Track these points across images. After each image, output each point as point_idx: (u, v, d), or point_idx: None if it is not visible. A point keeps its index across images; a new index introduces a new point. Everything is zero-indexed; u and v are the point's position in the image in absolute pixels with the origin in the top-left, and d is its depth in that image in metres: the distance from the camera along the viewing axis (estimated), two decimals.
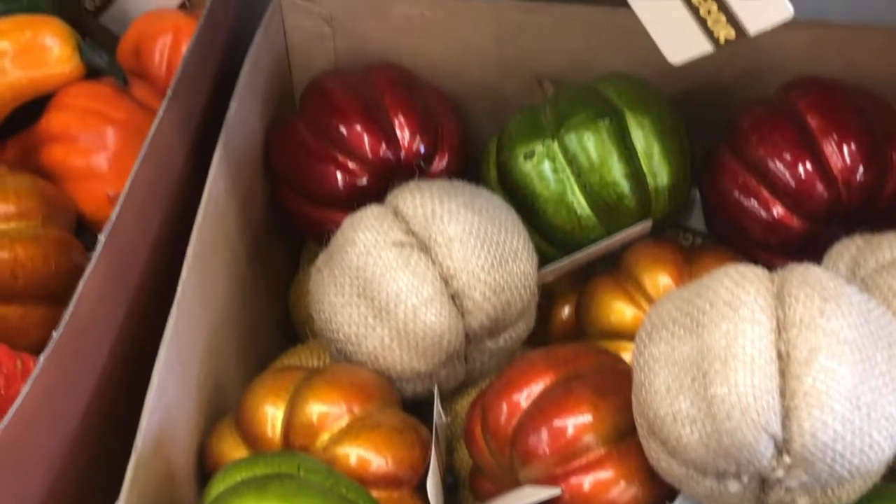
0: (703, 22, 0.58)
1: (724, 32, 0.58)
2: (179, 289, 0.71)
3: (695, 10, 0.58)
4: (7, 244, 0.81)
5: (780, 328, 0.63)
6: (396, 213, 0.80)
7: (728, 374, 0.62)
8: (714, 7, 0.57)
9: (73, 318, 0.63)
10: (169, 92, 0.78)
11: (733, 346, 0.62)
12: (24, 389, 0.58)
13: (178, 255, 0.74)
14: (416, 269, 0.77)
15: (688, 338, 0.64)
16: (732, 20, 0.57)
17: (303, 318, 0.97)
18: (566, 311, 0.93)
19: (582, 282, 0.91)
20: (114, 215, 0.69)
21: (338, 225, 0.87)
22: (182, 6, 1.04)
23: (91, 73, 0.91)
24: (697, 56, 0.61)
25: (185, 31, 0.96)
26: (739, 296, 0.64)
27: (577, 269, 0.87)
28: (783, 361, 0.62)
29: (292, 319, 0.99)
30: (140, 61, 0.96)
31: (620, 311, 0.85)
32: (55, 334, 0.62)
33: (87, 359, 0.67)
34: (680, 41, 0.60)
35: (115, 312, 0.70)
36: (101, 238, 0.68)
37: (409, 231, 0.79)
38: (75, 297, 0.64)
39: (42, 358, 0.61)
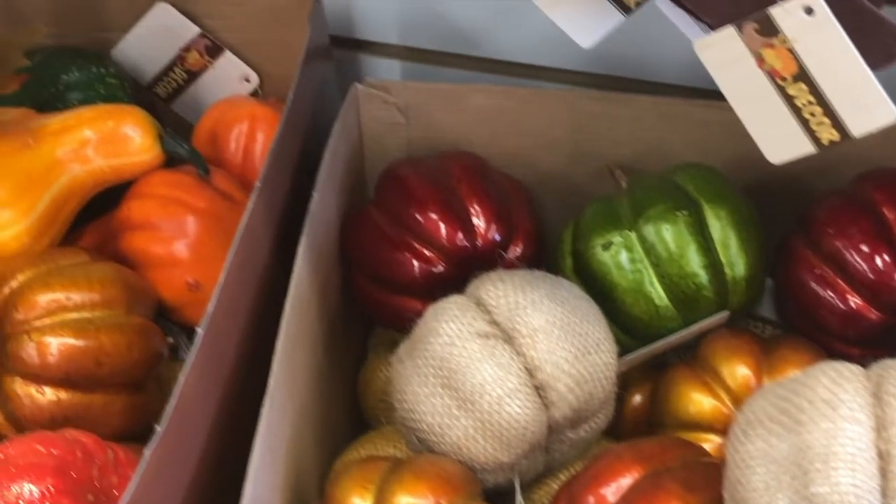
0: (805, 122, 0.59)
1: (828, 135, 0.58)
2: (271, 382, 0.72)
3: (797, 112, 0.59)
4: (92, 332, 0.82)
5: (880, 427, 0.63)
6: (479, 304, 0.81)
7: (829, 473, 0.62)
8: (818, 110, 0.58)
9: (176, 410, 0.64)
10: (258, 183, 0.79)
11: (834, 446, 0.62)
12: (132, 485, 0.58)
13: (263, 344, 0.74)
14: (501, 360, 0.78)
15: (786, 435, 0.64)
16: (836, 123, 0.58)
17: (372, 403, 0.98)
18: (637, 399, 0.93)
19: (652, 369, 0.91)
20: (211, 308, 0.69)
21: (412, 313, 0.88)
22: (254, 93, 1.06)
23: (171, 160, 0.92)
24: (800, 157, 0.61)
25: (261, 120, 0.98)
26: (838, 394, 0.64)
27: (649, 358, 0.88)
28: (883, 461, 0.62)
29: (360, 405, 0.99)
30: (216, 149, 0.98)
31: (699, 402, 0.85)
32: (159, 428, 0.63)
33: (187, 450, 0.67)
34: (781, 142, 0.60)
35: (210, 404, 0.71)
36: (200, 331, 0.69)
37: (493, 322, 0.80)
38: (177, 389, 0.65)
39: (147, 452, 0.61)
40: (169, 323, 0.90)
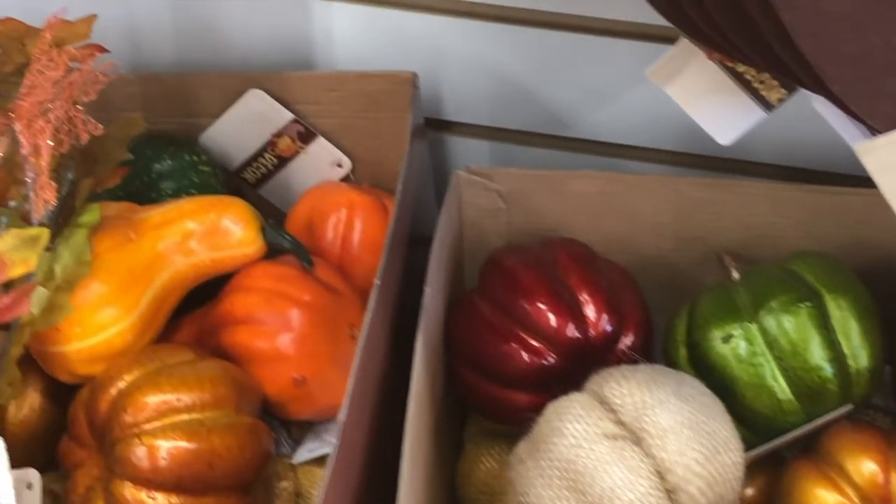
0: None
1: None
2: (401, 488, 0.70)
3: None
4: (204, 434, 0.80)
5: None
6: (604, 403, 0.79)
7: None
8: None
9: None
10: (377, 281, 0.78)
11: None
12: None
13: (384, 441, 0.73)
14: (631, 462, 0.75)
15: None
16: None
17: (472, 495, 0.95)
18: (749, 492, 0.91)
19: (767, 463, 0.88)
20: (342, 416, 0.68)
21: (520, 406, 0.86)
22: (345, 178, 1.04)
23: (272, 251, 0.90)
24: None
25: (359, 207, 0.96)
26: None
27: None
28: None
29: (459, 495, 0.97)
30: (313, 237, 0.96)
31: (823, 498, 0.82)
32: None
33: None
34: None
35: None
36: (335, 441, 0.67)
37: (619, 422, 0.77)
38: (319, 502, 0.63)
39: None
40: (269, 418, 0.88)
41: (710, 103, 0.65)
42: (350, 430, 0.70)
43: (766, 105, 0.66)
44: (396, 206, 0.85)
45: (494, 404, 0.90)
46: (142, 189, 0.97)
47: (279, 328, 0.86)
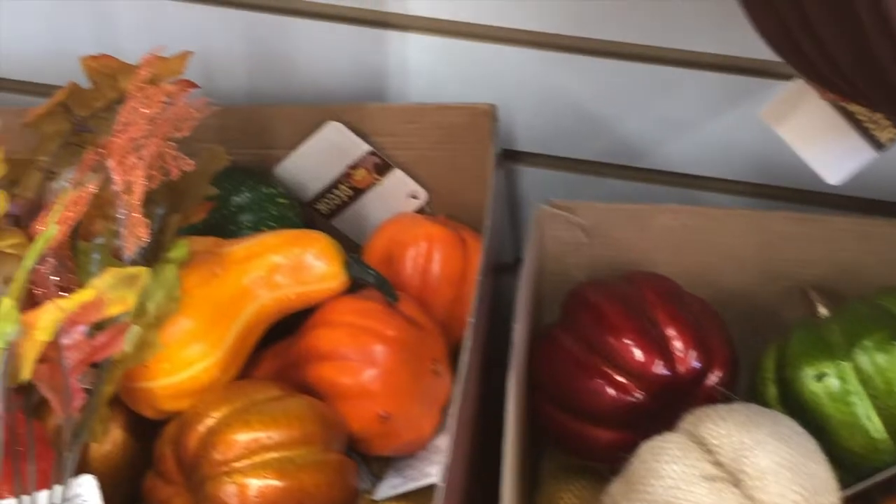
0: None
1: None
2: None
3: None
4: (293, 472, 0.79)
5: None
6: (701, 443, 0.78)
7: None
8: None
9: None
10: (471, 318, 0.77)
11: None
12: None
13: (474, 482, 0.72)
14: None
15: None
16: None
17: None
18: None
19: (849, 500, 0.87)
20: (447, 460, 0.67)
21: (604, 443, 0.86)
22: (420, 210, 1.04)
23: (353, 285, 0.90)
24: None
25: (437, 240, 0.96)
26: None
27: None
28: None
29: None
30: (392, 270, 0.95)
31: None
32: None
33: None
34: None
35: None
36: (441, 483, 0.66)
37: (717, 463, 0.76)
38: None
39: None
40: (352, 454, 0.88)
41: (822, 143, 0.65)
42: (452, 470, 0.69)
43: (877, 145, 0.65)
44: (485, 240, 0.84)
45: (578, 440, 0.90)
46: (220, 222, 0.96)
47: (365, 364, 0.85)
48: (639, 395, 0.86)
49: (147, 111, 0.75)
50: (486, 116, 0.97)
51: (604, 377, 0.87)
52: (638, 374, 0.86)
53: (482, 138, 0.97)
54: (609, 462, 0.90)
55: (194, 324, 0.84)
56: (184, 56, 0.79)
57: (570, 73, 1.01)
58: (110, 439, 0.88)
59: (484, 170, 0.99)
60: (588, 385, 0.87)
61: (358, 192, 1.04)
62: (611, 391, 0.87)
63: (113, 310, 0.71)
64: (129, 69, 0.79)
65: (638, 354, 0.86)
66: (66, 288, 0.79)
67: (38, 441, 0.80)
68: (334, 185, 1.04)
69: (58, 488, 0.76)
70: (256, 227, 0.97)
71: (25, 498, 0.75)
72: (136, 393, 0.84)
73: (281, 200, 1.00)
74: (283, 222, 0.98)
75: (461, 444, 0.73)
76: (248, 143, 1.02)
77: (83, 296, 0.69)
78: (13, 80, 1.14)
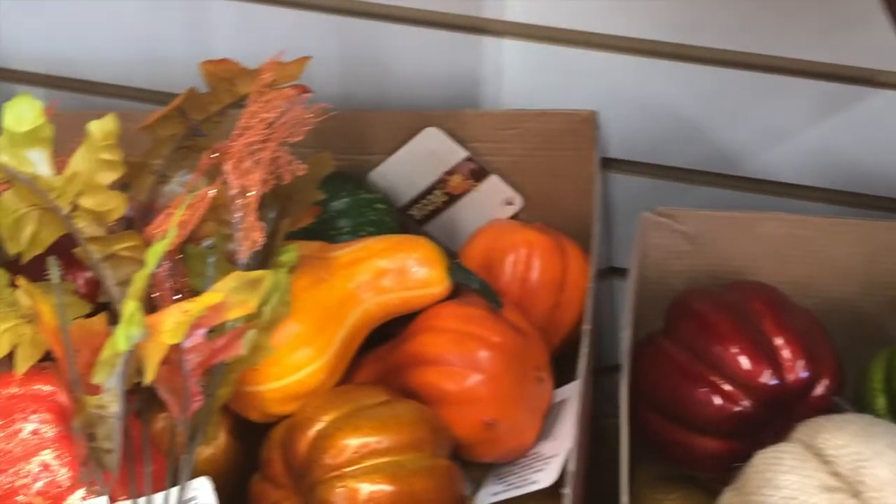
0: None
1: None
2: None
3: None
4: (404, 477, 0.79)
5: None
6: (817, 454, 0.77)
7: None
8: None
9: None
10: (586, 325, 0.76)
11: None
12: None
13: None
14: None
15: None
16: None
17: None
18: None
19: None
20: (572, 466, 0.66)
21: (708, 453, 0.85)
22: (514, 217, 1.03)
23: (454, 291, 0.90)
24: None
25: (537, 246, 0.95)
26: None
27: None
28: None
29: None
30: (491, 276, 0.95)
31: None
32: None
33: None
34: None
35: None
36: (567, 491, 0.66)
37: (835, 473, 0.76)
38: None
39: None
40: (454, 460, 0.88)
41: None
42: (577, 479, 0.69)
43: None
44: (594, 247, 0.84)
45: (681, 449, 0.89)
46: (319, 227, 0.96)
47: (470, 370, 0.85)
48: (746, 403, 0.86)
49: (267, 115, 0.75)
50: (588, 123, 0.97)
51: (710, 386, 0.86)
52: (745, 383, 0.85)
53: (582, 145, 0.97)
54: (711, 472, 0.90)
55: (302, 328, 0.84)
56: (302, 61, 0.79)
57: (666, 79, 1.01)
58: (214, 443, 0.88)
59: (582, 177, 0.99)
60: (694, 393, 0.87)
61: (452, 198, 1.04)
62: (717, 400, 0.86)
63: (234, 313, 0.71)
64: (247, 74, 0.79)
65: (745, 363, 0.86)
66: (178, 291, 0.80)
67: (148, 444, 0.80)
68: (429, 191, 1.04)
69: (174, 491, 0.76)
70: (355, 233, 0.97)
71: (141, 500, 0.76)
72: (243, 396, 0.84)
73: (379, 206, 1.00)
74: (381, 227, 0.98)
75: (582, 451, 0.73)
76: (344, 149, 1.02)
77: (209, 299, 0.69)
78: (105, 83, 1.15)
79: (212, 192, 0.76)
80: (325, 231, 0.97)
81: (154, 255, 0.71)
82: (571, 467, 0.68)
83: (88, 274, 0.84)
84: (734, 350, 0.86)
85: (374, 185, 1.03)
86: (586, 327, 0.77)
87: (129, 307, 0.69)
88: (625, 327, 0.82)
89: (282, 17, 1.06)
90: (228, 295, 0.70)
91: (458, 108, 1.04)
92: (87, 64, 1.14)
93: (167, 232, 0.73)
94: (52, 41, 1.14)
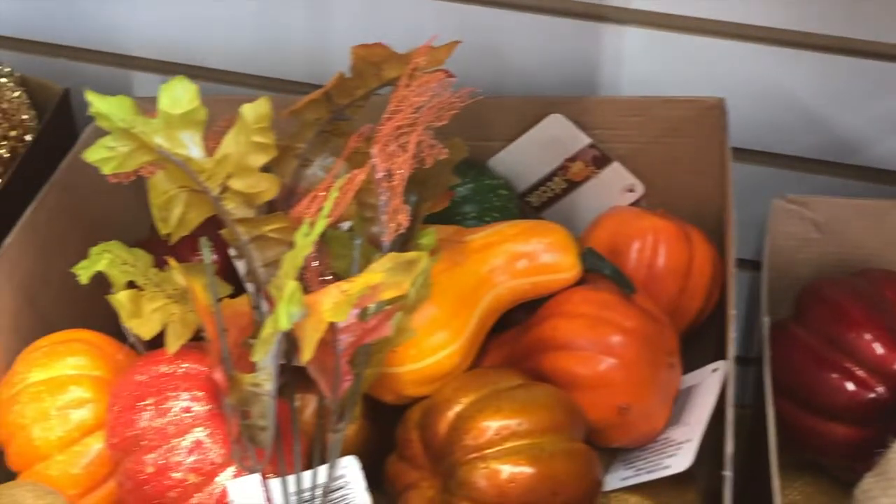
0: None
1: None
2: None
3: None
4: (545, 459, 0.80)
5: None
6: None
7: None
8: None
9: None
10: (733, 311, 0.77)
11: None
12: None
13: None
14: None
15: None
16: None
17: None
18: None
19: None
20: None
21: (839, 439, 0.85)
22: (635, 204, 1.03)
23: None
24: None
25: (662, 233, 0.96)
26: None
27: None
28: None
29: None
30: (615, 262, 0.95)
31: None
32: None
33: None
34: None
35: None
36: (728, 473, 0.66)
37: None
38: None
39: None
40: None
41: None
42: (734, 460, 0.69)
43: None
44: (732, 234, 0.84)
45: (811, 436, 0.89)
46: (444, 212, 0.97)
47: (603, 354, 0.86)
48: (880, 390, 0.86)
49: (417, 99, 0.76)
50: (715, 110, 0.96)
51: (843, 372, 0.86)
52: (879, 370, 0.86)
53: (708, 132, 0.97)
54: (840, 459, 0.90)
55: (439, 311, 0.85)
56: (450, 46, 0.80)
57: (789, 68, 1.01)
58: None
59: (704, 164, 0.99)
60: (827, 379, 0.87)
61: (572, 185, 1.04)
62: (850, 386, 0.86)
63: (389, 293, 0.72)
64: (396, 58, 0.80)
65: (879, 349, 0.86)
66: (322, 273, 0.81)
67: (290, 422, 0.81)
68: (549, 178, 1.04)
69: (322, 469, 0.77)
70: (481, 218, 0.98)
71: (290, 478, 0.77)
72: (379, 378, 0.85)
73: (502, 192, 1.00)
74: (504, 213, 0.99)
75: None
76: (464, 135, 1.02)
77: (368, 279, 0.70)
78: (220, 70, 1.16)
79: (361, 176, 0.76)
80: (450, 216, 0.97)
81: (311, 237, 0.72)
82: (730, 450, 0.68)
83: (215, 257, 0.86)
84: (868, 336, 0.86)
85: (495, 172, 1.04)
86: (732, 312, 0.78)
87: (290, 286, 0.70)
88: (764, 313, 0.83)
89: (402, 5, 1.07)
90: (385, 276, 0.71)
91: (584, 95, 1.04)
92: (202, 51, 1.16)
93: (320, 213, 0.74)
94: (167, 28, 1.16)
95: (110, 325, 0.92)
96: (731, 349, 0.76)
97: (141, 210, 1.11)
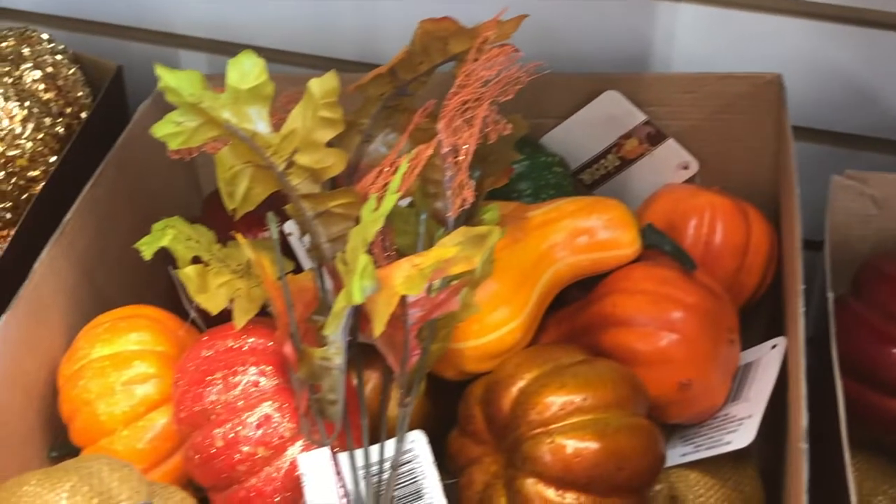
0: None
1: None
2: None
3: None
4: (610, 434, 0.80)
5: None
6: None
7: None
8: None
9: None
10: (803, 286, 0.76)
11: None
12: None
13: None
14: None
15: None
16: None
17: None
18: None
19: None
20: (803, 423, 0.67)
21: None
22: (689, 181, 1.03)
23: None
24: None
25: (720, 210, 0.96)
26: None
27: None
28: None
29: None
30: (673, 238, 0.95)
31: None
32: None
33: None
34: None
35: None
36: (804, 444, 0.66)
37: None
38: None
39: None
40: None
41: None
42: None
43: None
44: (796, 210, 0.84)
45: (871, 412, 0.89)
46: (500, 189, 0.97)
47: (665, 330, 0.86)
48: None
49: (485, 74, 0.76)
50: (772, 86, 0.96)
51: None
52: None
53: (765, 109, 0.97)
54: None
55: (501, 287, 0.85)
56: (518, 19, 0.79)
57: (844, 44, 1.00)
58: None
59: (759, 141, 0.99)
60: (888, 354, 0.87)
61: (625, 162, 1.04)
62: None
63: (460, 268, 0.72)
64: (463, 32, 0.79)
65: None
66: (386, 247, 0.81)
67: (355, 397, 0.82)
68: (602, 155, 1.04)
69: (390, 442, 0.77)
70: (536, 195, 0.98)
71: (358, 452, 0.77)
72: (442, 353, 0.85)
73: (557, 169, 1.00)
74: (560, 190, 0.99)
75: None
76: (518, 111, 1.02)
77: (441, 253, 0.70)
78: (268, 48, 1.16)
79: (428, 151, 0.76)
80: (506, 193, 0.97)
81: (381, 213, 0.72)
82: (804, 424, 0.68)
83: (266, 233, 0.86)
84: None
85: (549, 149, 1.03)
86: (802, 287, 0.77)
87: (363, 260, 0.70)
88: (829, 288, 0.82)
89: None
90: (458, 250, 0.71)
91: (629, 72, 1.04)
92: (251, 29, 1.16)
93: (388, 188, 0.74)
94: (216, 6, 1.15)
95: (165, 301, 0.92)
96: (801, 324, 0.76)
97: (191, 189, 1.12)
